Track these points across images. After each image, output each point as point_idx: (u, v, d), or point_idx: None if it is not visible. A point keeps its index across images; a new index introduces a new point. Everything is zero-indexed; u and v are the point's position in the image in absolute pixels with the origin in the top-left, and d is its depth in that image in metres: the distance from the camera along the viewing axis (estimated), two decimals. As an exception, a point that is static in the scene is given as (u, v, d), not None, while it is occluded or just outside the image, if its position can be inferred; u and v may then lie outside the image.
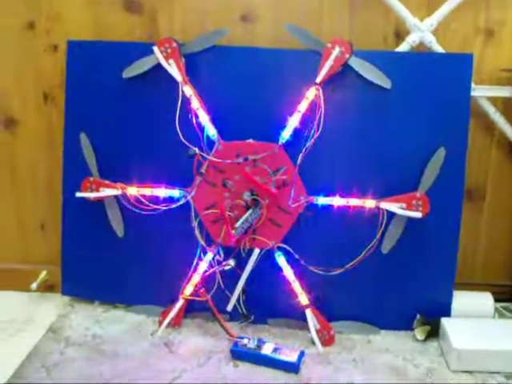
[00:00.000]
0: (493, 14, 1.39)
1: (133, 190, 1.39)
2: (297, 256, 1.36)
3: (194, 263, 1.38)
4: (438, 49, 1.36)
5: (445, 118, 1.33)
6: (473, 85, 1.34)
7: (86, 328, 1.42)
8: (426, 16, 1.35)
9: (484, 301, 1.43)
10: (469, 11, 1.38)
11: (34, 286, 1.55)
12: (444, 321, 1.36)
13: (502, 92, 1.40)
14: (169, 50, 1.34)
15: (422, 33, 1.35)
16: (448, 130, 1.33)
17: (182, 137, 1.33)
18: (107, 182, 1.41)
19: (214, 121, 1.35)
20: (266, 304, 1.41)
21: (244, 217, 1.35)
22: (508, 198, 1.52)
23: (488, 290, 1.46)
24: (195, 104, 1.34)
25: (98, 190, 1.41)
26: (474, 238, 1.54)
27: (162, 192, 1.38)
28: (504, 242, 1.54)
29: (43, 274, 1.59)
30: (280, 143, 1.33)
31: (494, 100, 1.41)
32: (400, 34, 1.40)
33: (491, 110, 1.41)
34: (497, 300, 1.45)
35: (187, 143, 1.33)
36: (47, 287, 1.60)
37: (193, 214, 1.38)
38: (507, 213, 1.53)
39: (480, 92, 1.39)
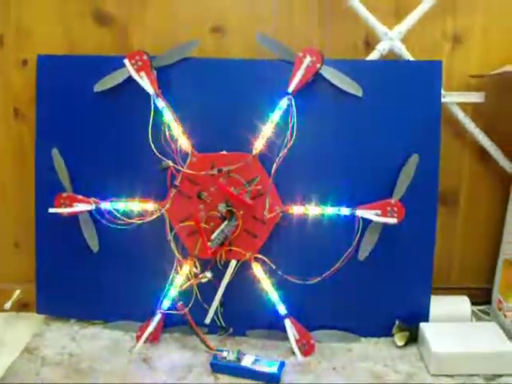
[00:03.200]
0: (460, 20, 1.42)
1: (107, 205, 1.38)
2: (274, 266, 1.35)
3: (171, 277, 1.36)
4: (408, 56, 1.38)
5: (417, 124, 1.34)
6: (443, 91, 1.36)
7: (63, 346, 1.39)
8: (394, 24, 1.37)
9: (461, 304, 1.44)
10: (436, 18, 1.40)
11: (7, 305, 1.52)
12: (422, 326, 1.37)
13: (472, 98, 1.42)
14: (140, 63, 1.33)
15: (392, 41, 1.36)
16: (420, 136, 1.34)
17: (155, 150, 1.32)
18: (80, 197, 1.39)
19: (187, 133, 1.34)
20: (244, 315, 1.40)
21: (220, 228, 1.34)
22: (481, 201, 1.54)
23: (464, 294, 1.47)
24: (168, 116, 1.33)
25: (71, 206, 1.39)
26: (449, 242, 1.56)
27: (136, 206, 1.37)
28: (479, 245, 1.56)
29: (17, 292, 1.56)
30: (254, 153, 1.33)
31: (463, 106, 1.43)
32: (370, 43, 1.42)
33: (461, 116, 1.43)
34: (473, 303, 1.46)
35: (160, 156, 1.32)
36: (22, 306, 1.57)
37: (168, 227, 1.37)
38: (481, 216, 1.55)
39: (450, 98, 1.41)
